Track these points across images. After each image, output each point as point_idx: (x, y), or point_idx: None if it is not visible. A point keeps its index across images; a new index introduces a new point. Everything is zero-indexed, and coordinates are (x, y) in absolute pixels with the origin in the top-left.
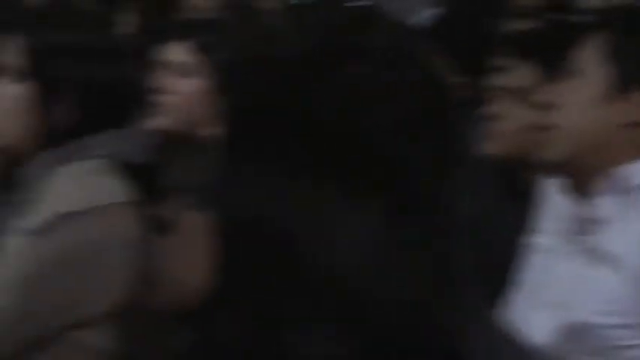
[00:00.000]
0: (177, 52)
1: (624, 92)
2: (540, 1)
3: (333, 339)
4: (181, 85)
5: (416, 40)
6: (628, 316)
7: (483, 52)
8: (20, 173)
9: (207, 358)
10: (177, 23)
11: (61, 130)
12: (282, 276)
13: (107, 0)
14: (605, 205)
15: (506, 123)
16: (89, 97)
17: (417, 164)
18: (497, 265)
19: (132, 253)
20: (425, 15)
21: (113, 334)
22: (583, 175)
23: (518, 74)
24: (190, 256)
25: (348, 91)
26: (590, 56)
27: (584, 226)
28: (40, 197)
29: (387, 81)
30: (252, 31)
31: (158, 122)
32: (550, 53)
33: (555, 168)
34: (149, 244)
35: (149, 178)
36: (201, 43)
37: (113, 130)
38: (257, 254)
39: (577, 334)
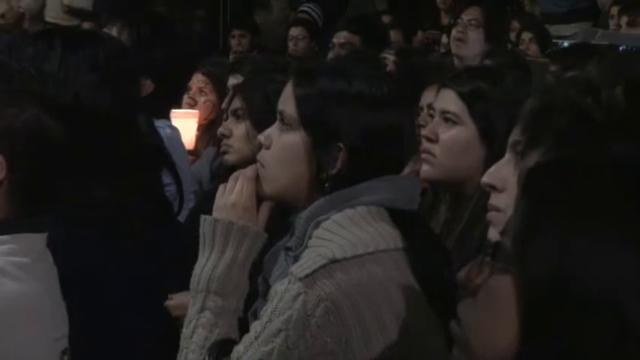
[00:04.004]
0: (444, 100)
1: None
2: None
3: None
4: (447, 134)
5: None
6: None
7: None
8: (293, 219)
9: None
10: (442, 69)
11: (333, 177)
12: None
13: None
14: None
15: None
16: (361, 144)
17: None
18: None
19: (402, 300)
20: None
21: None
22: None
23: None
24: (494, 320)
25: None
26: None
27: None
28: (313, 243)
29: None
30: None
31: (424, 171)
32: None
33: None
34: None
35: (418, 226)
36: (469, 91)
37: (383, 177)
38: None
39: None
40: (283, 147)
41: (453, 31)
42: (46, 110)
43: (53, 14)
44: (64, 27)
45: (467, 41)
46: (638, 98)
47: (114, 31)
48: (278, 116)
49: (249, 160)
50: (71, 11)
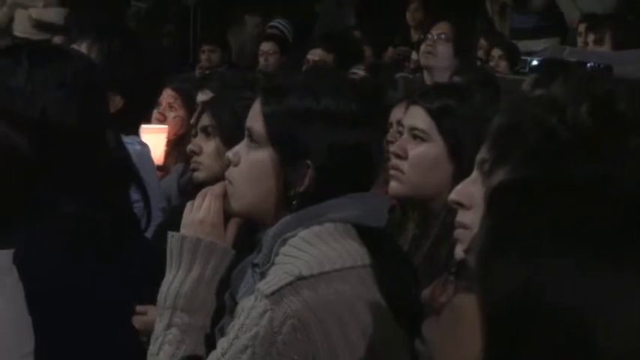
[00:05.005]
0: (413, 116)
1: None
2: None
3: None
4: (415, 150)
5: None
6: None
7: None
8: (260, 236)
9: None
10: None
11: (300, 194)
12: None
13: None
14: None
15: None
16: (328, 162)
17: None
18: None
19: (369, 317)
20: None
21: None
22: None
23: None
24: (458, 339)
25: None
26: None
27: None
28: (279, 260)
29: None
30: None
31: (392, 187)
32: None
33: None
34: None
35: (385, 242)
36: (437, 108)
37: (351, 195)
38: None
39: None
40: (251, 164)
41: (423, 45)
42: (13, 125)
43: (22, 28)
44: (31, 41)
45: (436, 54)
46: (603, 116)
47: (84, 47)
48: (246, 133)
49: (220, 177)
50: (40, 25)
